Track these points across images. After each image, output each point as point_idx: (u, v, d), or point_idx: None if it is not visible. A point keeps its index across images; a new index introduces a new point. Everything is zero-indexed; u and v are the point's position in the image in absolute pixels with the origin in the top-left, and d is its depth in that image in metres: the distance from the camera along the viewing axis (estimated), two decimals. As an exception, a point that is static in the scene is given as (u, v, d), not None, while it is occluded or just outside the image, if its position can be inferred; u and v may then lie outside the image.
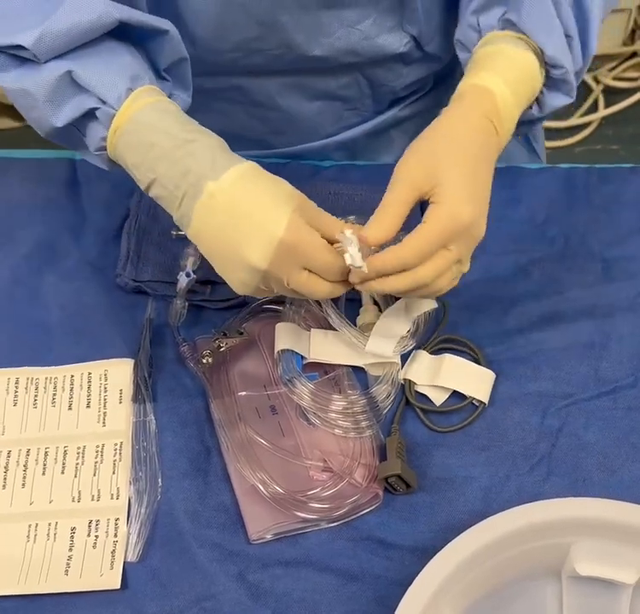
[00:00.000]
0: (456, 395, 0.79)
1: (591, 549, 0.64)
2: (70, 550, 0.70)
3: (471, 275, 0.83)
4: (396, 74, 0.92)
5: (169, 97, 0.76)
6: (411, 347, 0.79)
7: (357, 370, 0.80)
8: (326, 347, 0.79)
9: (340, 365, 0.79)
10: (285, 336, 0.79)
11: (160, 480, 0.73)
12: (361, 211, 0.87)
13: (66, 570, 0.69)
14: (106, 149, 0.73)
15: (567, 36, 0.76)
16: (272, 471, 0.72)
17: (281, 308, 0.82)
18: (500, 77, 0.73)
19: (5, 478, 0.74)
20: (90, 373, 0.80)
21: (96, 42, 0.72)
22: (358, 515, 0.72)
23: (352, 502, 0.71)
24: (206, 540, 0.71)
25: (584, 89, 2.16)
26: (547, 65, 0.76)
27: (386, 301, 0.81)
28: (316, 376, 0.79)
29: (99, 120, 0.72)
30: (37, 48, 0.69)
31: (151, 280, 0.85)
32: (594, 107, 2.17)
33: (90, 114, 0.72)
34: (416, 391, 0.79)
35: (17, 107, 0.74)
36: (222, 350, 0.79)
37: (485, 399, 0.78)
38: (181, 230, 0.83)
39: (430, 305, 0.78)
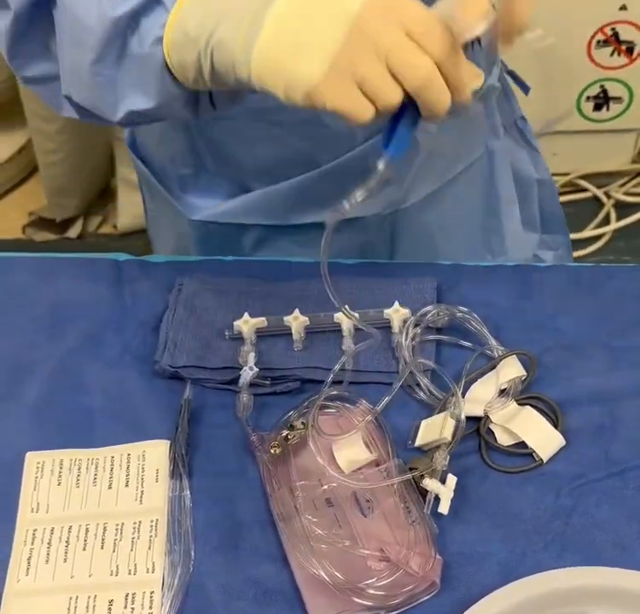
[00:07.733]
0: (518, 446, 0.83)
1: (606, 618, 0.66)
2: (108, 621, 0.74)
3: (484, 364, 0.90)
4: None
5: None
6: (498, 405, 0.85)
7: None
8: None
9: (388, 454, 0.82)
10: None
11: (192, 553, 0.77)
12: (384, 303, 0.93)
13: (105, 640, 0.73)
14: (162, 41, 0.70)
15: None
16: (332, 560, 0.73)
17: (337, 404, 0.85)
18: None
19: (48, 553, 0.78)
20: (128, 454, 0.85)
21: None
22: (415, 604, 0.72)
23: (408, 591, 0.72)
24: (236, 611, 0.73)
25: (596, 204, 2.26)
26: None
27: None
28: None
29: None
30: None
31: (186, 366, 0.90)
32: (606, 221, 2.25)
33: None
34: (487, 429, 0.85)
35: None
36: (290, 442, 0.81)
37: (545, 458, 0.82)
38: (234, 331, 0.92)
39: (519, 372, 0.86)
